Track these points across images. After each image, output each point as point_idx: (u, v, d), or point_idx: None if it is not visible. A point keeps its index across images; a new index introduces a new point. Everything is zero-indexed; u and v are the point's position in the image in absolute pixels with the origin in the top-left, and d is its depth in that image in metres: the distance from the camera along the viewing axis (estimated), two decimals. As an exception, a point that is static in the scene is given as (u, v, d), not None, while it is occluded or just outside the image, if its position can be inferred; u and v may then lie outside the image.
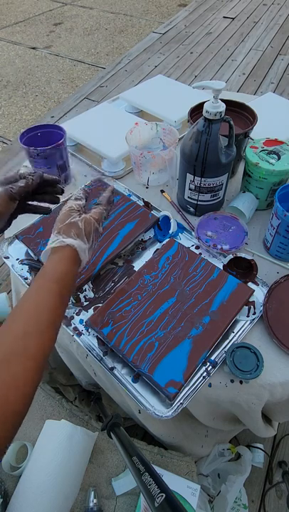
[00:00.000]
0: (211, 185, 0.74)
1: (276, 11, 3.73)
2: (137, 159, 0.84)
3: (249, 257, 0.69)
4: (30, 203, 0.60)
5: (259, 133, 0.84)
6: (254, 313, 0.64)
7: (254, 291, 0.63)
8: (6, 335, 0.39)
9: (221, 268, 0.69)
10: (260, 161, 0.73)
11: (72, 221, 0.50)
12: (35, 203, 0.61)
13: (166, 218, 0.78)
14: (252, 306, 0.65)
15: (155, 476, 0.37)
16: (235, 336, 0.63)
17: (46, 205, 0.62)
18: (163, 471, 0.71)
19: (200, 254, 0.66)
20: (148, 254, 0.74)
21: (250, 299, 0.66)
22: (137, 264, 0.73)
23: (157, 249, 0.68)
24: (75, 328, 0.65)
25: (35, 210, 0.61)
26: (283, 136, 0.81)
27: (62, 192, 0.61)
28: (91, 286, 0.70)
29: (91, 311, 0.66)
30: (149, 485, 0.36)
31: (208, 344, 0.57)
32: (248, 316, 0.64)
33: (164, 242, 0.71)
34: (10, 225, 0.58)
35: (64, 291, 0.46)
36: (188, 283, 0.64)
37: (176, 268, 0.66)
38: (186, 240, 0.76)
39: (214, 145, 0.68)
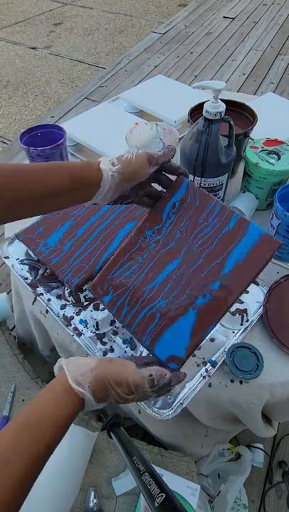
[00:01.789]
0: (211, 185, 0.74)
1: (276, 11, 3.73)
2: (137, 159, 0.84)
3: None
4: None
5: (259, 133, 0.84)
6: (247, 321, 0.64)
7: (282, 243, 0.48)
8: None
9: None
10: (260, 161, 0.73)
11: (118, 392, 0.40)
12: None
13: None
14: (244, 315, 0.64)
15: (155, 476, 0.37)
16: (234, 337, 0.63)
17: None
18: (163, 471, 0.71)
19: (214, 196, 0.51)
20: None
21: (243, 307, 0.65)
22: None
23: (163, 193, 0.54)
24: (75, 328, 0.65)
25: (151, 197, 0.53)
26: (283, 136, 0.81)
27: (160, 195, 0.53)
28: (91, 286, 0.70)
29: (91, 309, 0.66)
30: (149, 485, 0.36)
31: (214, 317, 0.48)
32: (241, 325, 0.64)
33: (172, 184, 0.54)
34: (129, 201, 0.50)
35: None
36: (196, 238, 0.51)
37: (184, 218, 0.52)
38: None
39: (214, 145, 0.68)
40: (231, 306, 0.48)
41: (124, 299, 0.52)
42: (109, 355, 0.62)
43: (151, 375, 0.41)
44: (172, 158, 0.48)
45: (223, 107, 0.64)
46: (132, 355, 0.54)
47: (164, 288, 0.51)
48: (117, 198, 0.47)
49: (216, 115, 0.65)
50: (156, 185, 0.53)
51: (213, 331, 0.49)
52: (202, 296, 0.49)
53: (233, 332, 0.64)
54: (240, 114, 0.86)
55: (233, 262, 0.48)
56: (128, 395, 0.40)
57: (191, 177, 0.74)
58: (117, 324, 0.66)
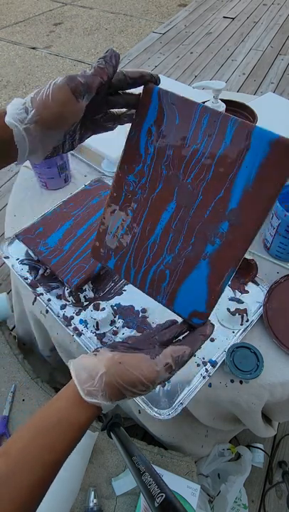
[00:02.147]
0: (211, 185, 0.74)
1: (276, 11, 3.73)
2: (137, 159, 0.84)
3: (249, 257, 0.69)
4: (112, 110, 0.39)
5: (259, 133, 0.84)
6: (247, 321, 0.64)
7: None
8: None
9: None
10: (260, 161, 0.73)
11: (134, 392, 0.37)
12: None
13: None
14: (244, 315, 0.64)
15: (155, 476, 0.37)
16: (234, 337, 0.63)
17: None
18: (163, 471, 0.71)
19: (197, 102, 0.37)
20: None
21: (243, 307, 0.65)
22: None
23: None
24: (75, 328, 0.65)
25: (113, 121, 0.39)
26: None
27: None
28: (91, 286, 0.70)
29: (91, 309, 0.66)
30: (149, 485, 0.36)
31: (230, 263, 0.39)
32: (241, 325, 0.64)
33: (140, 100, 0.39)
34: (76, 143, 0.38)
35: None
36: (187, 170, 0.39)
37: (165, 146, 0.39)
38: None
39: (214, 145, 0.68)
40: (249, 246, 0.37)
41: (128, 260, 0.45)
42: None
43: (167, 363, 0.38)
44: (115, 69, 0.34)
45: (223, 107, 0.65)
46: (144, 331, 0.49)
47: (166, 241, 0.42)
48: (53, 151, 0.36)
49: (216, 115, 0.64)
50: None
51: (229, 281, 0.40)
52: (211, 244, 0.39)
53: (233, 332, 0.64)
54: (240, 114, 0.86)
55: (240, 191, 0.36)
56: (145, 390, 0.38)
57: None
58: (117, 324, 0.66)
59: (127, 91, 0.37)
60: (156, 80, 0.37)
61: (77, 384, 0.36)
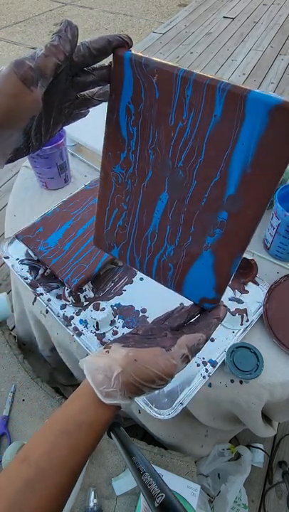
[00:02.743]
0: (211, 185, 0.74)
1: (276, 11, 3.73)
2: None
3: (249, 257, 0.69)
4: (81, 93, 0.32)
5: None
6: (247, 321, 0.64)
7: None
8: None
9: None
10: (260, 161, 0.73)
11: (152, 387, 0.36)
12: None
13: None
14: (244, 315, 0.64)
15: (155, 476, 0.37)
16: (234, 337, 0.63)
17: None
18: (163, 471, 0.71)
19: (177, 66, 0.30)
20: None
21: (243, 307, 0.65)
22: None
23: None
24: (75, 328, 0.65)
25: (85, 105, 0.33)
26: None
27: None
28: (91, 286, 0.70)
29: (91, 309, 0.66)
30: (149, 485, 0.36)
31: (235, 249, 0.35)
32: (241, 325, 0.64)
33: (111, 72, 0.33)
34: (44, 139, 0.31)
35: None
36: (176, 154, 0.33)
37: (148, 126, 0.33)
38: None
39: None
40: (254, 229, 0.33)
41: (131, 250, 0.43)
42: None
43: (183, 354, 0.37)
44: (73, 38, 0.27)
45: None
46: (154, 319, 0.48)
47: (164, 232, 0.39)
48: (15, 153, 0.30)
49: (216, 115, 0.64)
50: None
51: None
52: (210, 235, 0.36)
53: (233, 332, 0.64)
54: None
55: (238, 173, 0.30)
56: (163, 384, 0.37)
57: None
58: (117, 324, 0.66)
59: (96, 65, 0.30)
60: (128, 43, 0.30)
61: (94, 387, 0.35)
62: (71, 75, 0.29)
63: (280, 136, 0.27)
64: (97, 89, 0.32)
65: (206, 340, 0.39)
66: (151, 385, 0.36)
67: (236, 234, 0.34)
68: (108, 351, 0.37)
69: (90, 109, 0.34)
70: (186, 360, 0.37)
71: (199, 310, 0.41)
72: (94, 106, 0.33)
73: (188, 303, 0.42)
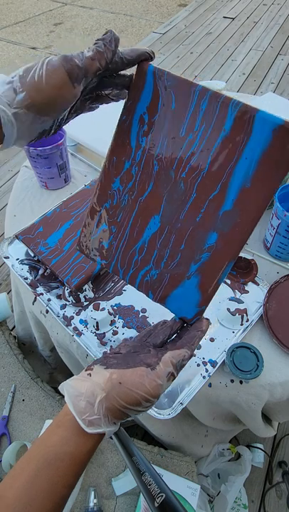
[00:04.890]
0: (211, 185, 0.74)
1: (276, 11, 3.73)
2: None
3: (249, 257, 0.69)
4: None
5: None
6: (247, 321, 0.64)
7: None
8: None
9: None
10: (260, 161, 0.73)
11: (138, 410, 0.34)
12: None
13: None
14: (244, 315, 0.64)
15: (155, 476, 0.37)
16: (234, 337, 0.63)
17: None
18: (163, 471, 0.71)
19: (196, 82, 0.33)
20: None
21: (243, 307, 0.65)
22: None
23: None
24: (75, 328, 0.65)
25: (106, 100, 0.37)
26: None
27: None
28: (91, 286, 0.70)
29: (91, 309, 0.66)
30: (149, 485, 0.36)
31: (223, 264, 0.36)
32: (241, 325, 0.64)
33: (133, 80, 0.35)
34: (62, 125, 0.35)
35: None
36: (181, 165, 0.34)
37: (159, 137, 0.35)
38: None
39: (214, 145, 0.68)
40: (243, 245, 0.35)
41: (116, 261, 0.42)
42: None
43: (169, 373, 0.35)
44: (114, 52, 0.31)
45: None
46: (133, 337, 0.47)
47: (152, 250, 0.39)
48: (39, 135, 0.33)
49: (216, 115, 0.64)
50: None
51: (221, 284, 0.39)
52: (195, 262, 0.37)
53: (233, 332, 0.64)
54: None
55: (238, 187, 0.32)
56: (150, 406, 0.35)
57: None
58: (117, 324, 0.66)
59: (120, 72, 0.34)
60: (152, 56, 0.34)
61: (76, 415, 0.32)
62: (101, 76, 0.32)
63: (280, 153, 0.30)
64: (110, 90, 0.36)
65: (191, 356, 0.37)
66: (137, 408, 0.34)
67: (225, 252, 0.35)
68: (90, 374, 0.35)
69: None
70: (172, 378, 0.36)
71: (181, 323, 0.40)
72: (106, 103, 0.37)
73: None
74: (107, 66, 0.30)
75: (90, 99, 0.35)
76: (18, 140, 0.32)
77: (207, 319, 0.39)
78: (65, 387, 0.35)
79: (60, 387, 0.35)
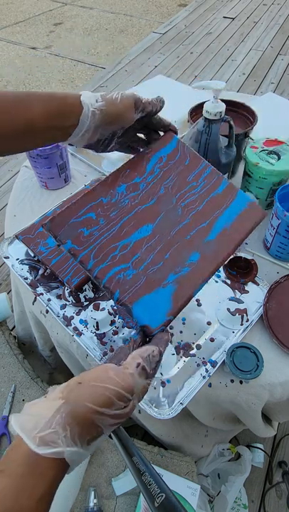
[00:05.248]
0: (211, 185, 0.74)
1: (276, 11, 3.73)
2: (137, 159, 0.84)
3: (249, 257, 0.69)
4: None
5: (259, 133, 0.84)
6: (247, 321, 0.64)
7: (266, 214, 0.47)
8: None
9: None
10: (260, 161, 0.73)
11: (114, 414, 0.28)
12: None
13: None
14: (244, 315, 0.64)
15: (155, 476, 0.37)
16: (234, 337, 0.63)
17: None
18: (163, 471, 0.71)
19: (204, 159, 0.47)
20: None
21: (243, 307, 0.65)
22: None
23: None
24: (75, 328, 0.65)
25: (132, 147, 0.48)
26: (283, 136, 0.81)
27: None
28: (91, 286, 0.70)
29: (91, 309, 0.66)
30: (149, 485, 0.36)
31: (195, 284, 0.42)
32: (241, 325, 0.64)
33: (160, 138, 0.48)
34: (107, 149, 0.45)
35: None
36: (183, 197, 0.45)
37: (171, 173, 0.46)
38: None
39: (214, 145, 0.68)
40: (213, 274, 0.43)
41: (90, 251, 0.41)
42: (110, 355, 0.62)
43: (138, 364, 0.31)
44: (160, 110, 0.44)
45: (223, 107, 0.64)
46: (107, 356, 0.45)
47: (138, 250, 0.42)
48: (95, 142, 0.42)
49: (216, 115, 0.65)
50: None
51: (197, 295, 0.43)
52: (178, 272, 0.42)
53: (233, 332, 0.64)
54: (240, 114, 0.86)
55: (220, 228, 0.44)
56: (127, 407, 0.29)
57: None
58: (117, 324, 0.66)
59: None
60: (176, 132, 0.47)
61: (23, 436, 0.25)
62: (139, 128, 0.45)
63: (249, 217, 0.46)
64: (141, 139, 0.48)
65: (161, 354, 0.34)
66: (110, 411, 0.27)
67: (203, 271, 0.42)
68: (46, 396, 0.30)
69: None
70: (144, 372, 0.32)
71: (142, 339, 0.38)
72: (135, 146, 0.49)
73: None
74: (151, 114, 0.43)
75: (120, 144, 0.45)
76: (81, 138, 0.40)
77: (168, 334, 0.38)
78: (12, 416, 0.28)
79: (10, 419, 0.31)
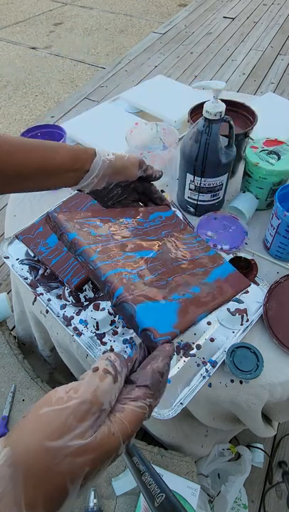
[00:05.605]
0: (211, 185, 0.74)
1: (276, 11, 3.73)
2: (137, 159, 0.84)
3: (249, 257, 0.69)
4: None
5: (259, 133, 0.84)
6: (247, 321, 0.64)
7: (249, 284, 0.48)
8: None
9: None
10: (260, 161, 0.73)
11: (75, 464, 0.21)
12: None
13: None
14: (244, 315, 0.64)
15: (155, 476, 0.37)
16: (234, 337, 0.63)
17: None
18: (163, 471, 0.71)
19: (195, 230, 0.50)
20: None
21: (243, 307, 0.65)
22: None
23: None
24: (75, 328, 0.65)
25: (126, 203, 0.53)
26: (283, 136, 0.81)
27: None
28: (91, 286, 0.70)
29: (91, 309, 0.66)
30: (149, 485, 0.36)
31: (199, 311, 0.39)
32: (241, 325, 0.64)
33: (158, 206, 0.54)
34: (107, 203, 0.50)
35: None
36: (180, 247, 0.47)
37: (169, 228, 0.50)
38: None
39: (214, 145, 0.68)
40: (215, 309, 0.41)
41: (95, 247, 0.40)
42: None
43: (97, 368, 0.26)
44: (158, 179, 0.51)
45: (223, 107, 0.64)
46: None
47: (143, 264, 0.41)
48: (102, 189, 0.48)
49: (216, 115, 0.65)
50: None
51: (203, 321, 0.45)
52: (181, 294, 0.40)
53: (233, 332, 0.64)
54: (240, 114, 0.86)
55: (216, 277, 0.45)
56: (98, 429, 0.23)
57: (191, 177, 0.74)
58: (117, 324, 0.66)
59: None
60: (170, 206, 0.54)
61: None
62: (140, 190, 0.51)
63: (233, 283, 0.46)
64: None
65: (166, 364, 0.30)
66: (73, 441, 0.20)
67: (204, 303, 0.41)
68: None
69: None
70: (114, 377, 0.26)
71: (144, 352, 0.33)
72: (129, 206, 0.52)
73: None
74: (151, 178, 0.50)
75: (116, 198, 0.50)
76: (90, 182, 0.46)
77: (171, 345, 0.32)
78: None
79: None
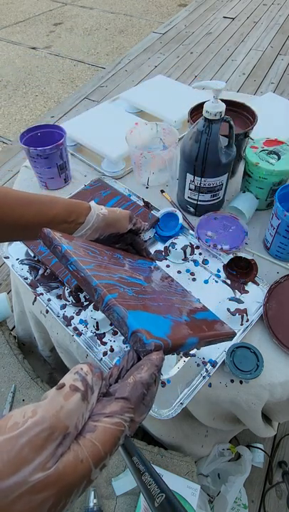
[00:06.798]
0: (211, 185, 0.74)
1: (276, 11, 3.73)
2: (137, 159, 0.84)
3: (249, 257, 0.69)
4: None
5: (259, 133, 0.84)
6: (247, 321, 0.64)
7: (234, 333, 0.48)
8: None
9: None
10: (260, 161, 0.73)
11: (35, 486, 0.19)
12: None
13: (166, 216, 0.78)
14: (244, 315, 0.64)
15: (155, 476, 0.37)
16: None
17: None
18: (163, 471, 0.71)
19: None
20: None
21: (243, 307, 0.65)
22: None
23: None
24: (75, 328, 0.65)
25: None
26: (283, 136, 0.81)
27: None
28: (91, 286, 0.70)
29: (91, 309, 0.66)
30: (149, 485, 0.36)
31: (193, 334, 0.38)
32: (241, 325, 0.64)
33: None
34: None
35: None
36: (168, 288, 0.50)
37: (160, 274, 0.54)
38: (186, 240, 0.76)
39: (214, 145, 0.68)
40: (206, 339, 0.40)
41: (89, 262, 0.38)
42: (109, 355, 0.62)
43: (63, 385, 0.23)
44: (146, 231, 0.60)
45: (223, 107, 0.64)
46: None
47: (136, 286, 0.40)
48: (94, 240, 0.50)
49: (216, 115, 0.65)
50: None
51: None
52: (172, 315, 0.39)
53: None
54: (240, 114, 0.86)
55: (203, 317, 0.46)
56: (64, 453, 0.20)
57: (191, 177, 0.74)
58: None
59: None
60: (154, 261, 0.57)
61: None
62: (128, 241, 0.55)
63: (221, 325, 0.47)
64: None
65: (152, 374, 0.27)
66: (32, 475, 0.18)
67: (195, 329, 0.40)
68: None
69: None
70: (83, 394, 0.23)
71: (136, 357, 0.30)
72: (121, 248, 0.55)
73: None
74: (139, 230, 0.54)
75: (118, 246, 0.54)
76: (84, 233, 0.48)
77: (162, 356, 0.29)
78: None
79: None
